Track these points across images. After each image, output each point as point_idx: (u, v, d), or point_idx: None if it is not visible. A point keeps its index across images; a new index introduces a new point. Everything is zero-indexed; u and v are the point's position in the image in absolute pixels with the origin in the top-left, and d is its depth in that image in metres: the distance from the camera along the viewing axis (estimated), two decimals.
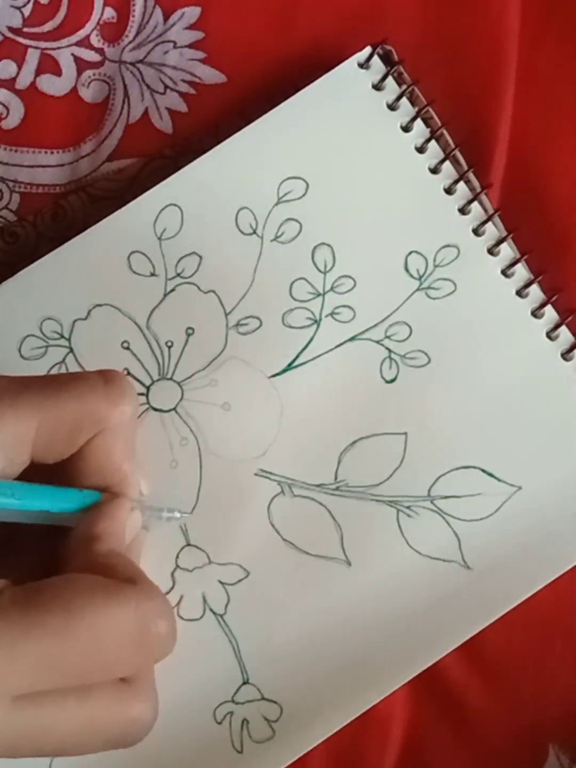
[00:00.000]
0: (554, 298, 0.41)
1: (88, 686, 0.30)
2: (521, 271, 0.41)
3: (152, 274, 0.41)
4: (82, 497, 0.34)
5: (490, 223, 0.41)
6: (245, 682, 0.39)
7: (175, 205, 0.41)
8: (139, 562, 0.37)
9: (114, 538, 0.33)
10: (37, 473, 0.33)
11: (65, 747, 0.30)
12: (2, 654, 0.28)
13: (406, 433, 0.40)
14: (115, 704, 0.31)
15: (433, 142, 0.42)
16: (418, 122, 0.42)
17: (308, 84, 0.42)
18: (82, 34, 0.44)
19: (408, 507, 0.40)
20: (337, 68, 0.42)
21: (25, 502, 0.32)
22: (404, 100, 0.42)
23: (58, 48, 0.44)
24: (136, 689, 0.32)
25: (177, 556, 0.40)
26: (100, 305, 0.41)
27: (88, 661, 0.29)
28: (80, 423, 0.33)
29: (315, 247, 0.41)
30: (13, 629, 0.28)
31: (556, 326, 0.41)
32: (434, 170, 0.41)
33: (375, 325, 0.41)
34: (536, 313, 0.41)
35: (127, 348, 0.41)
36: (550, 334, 0.41)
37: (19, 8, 0.44)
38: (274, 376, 0.41)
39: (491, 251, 0.41)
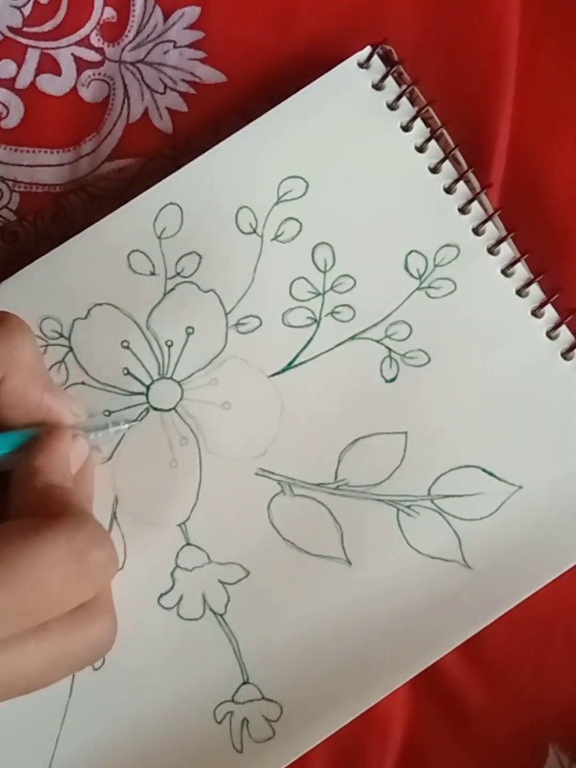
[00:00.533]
0: (554, 297, 0.41)
1: (45, 624, 0.30)
2: (521, 271, 0.41)
3: (152, 274, 0.41)
4: (15, 438, 0.34)
5: (490, 223, 0.41)
6: (245, 682, 0.39)
7: (174, 204, 0.41)
8: (92, 485, 0.37)
9: (52, 470, 0.33)
10: None
11: (34, 683, 0.32)
12: None
13: (406, 433, 0.40)
14: (73, 633, 0.31)
15: (433, 142, 0.42)
16: (418, 122, 0.42)
17: (308, 84, 0.42)
18: (82, 33, 0.44)
19: (408, 506, 0.40)
20: (337, 68, 0.42)
21: None
22: (404, 100, 0.42)
23: (58, 48, 0.44)
24: (91, 611, 0.32)
25: (177, 556, 0.39)
26: (99, 304, 0.41)
27: (34, 603, 0.29)
28: None
29: (315, 247, 0.41)
30: None
31: (556, 326, 0.41)
32: (434, 170, 0.41)
33: (375, 325, 0.41)
34: (536, 313, 0.41)
35: (127, 347, 0.41)
36: (550, 334, 0.41)
37: (19, 8, 0.44)
38: (274, 375, 0.41)
39: (491, 251, 0.41)
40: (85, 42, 0.44)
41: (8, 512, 0.32)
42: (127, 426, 0.39)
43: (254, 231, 0.41)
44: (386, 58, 0.42)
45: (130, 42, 0.44)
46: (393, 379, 0.41)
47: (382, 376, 0.41)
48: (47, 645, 0.31)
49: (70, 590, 0.30)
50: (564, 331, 0.41)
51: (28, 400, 0.34)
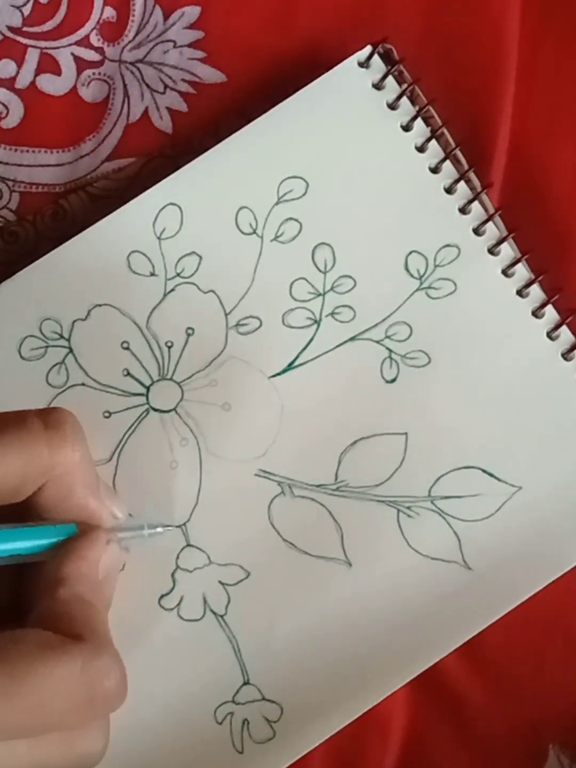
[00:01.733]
0: (555, 298, 0.41)
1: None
2: (522, 271, 0.41)
3: (152, 274, 0.41)
4: (54, 532, 0.33)
5: (490, 223, 0.41)
6: (246, 683, 0.39)
7: (174, 204, 0.41)
8: (113, 589, 0.36)
9: (81, 580, 0.32)
10: None
11: None
12: None
13: (406, 433, 0.40)
14: (64, 746, 0.31)
15: (433, 142, 0.41)
16: (419, 121, 0.42)
17: (308, 84, 0.42)
18: (81, 33, 0.44)
19: (408, 507, 0.40)
20: (337, 67, 0.42)
21: None
22: (404, 100, 0.42)
23: (58, 47, 0.44)
24: (85, 729, 0.31)
25: (177, 557, 0.39)
26: (99, 305, 0.41)
27: (34, 721, 0.29)
28: (24, 476, 0.32)
29: (315, 247, 0.41)
30: None
31: (557, 326, 0.41)
32: (434, 170, 0.41)
33: (375, 325, 0.41)
34: (537, 313, 0.41)
35: (127, 348, 0.41)
36: (551, 334, 0.41)
37: (19, 8, 0.44)
38: (274, 376, 0.41)
39: (492, 251, 0.41)
40: (85, 42, 0.44)
41: (29, 609, 0.32)
42: (161, 530, 0.38)
43: (254, 231, 0.41)
44: (386, 58, 0.42)
45: (130, 42, 0.44)
46: (393, 380, 0.41)
47: (383, 377, 0.41)
48: (37, 753, 0.30)
49: (72, 716, 0.30)
50: (564, 331, 0.41)
51: (69, 505, 0.33)
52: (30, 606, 0.32)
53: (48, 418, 0.32)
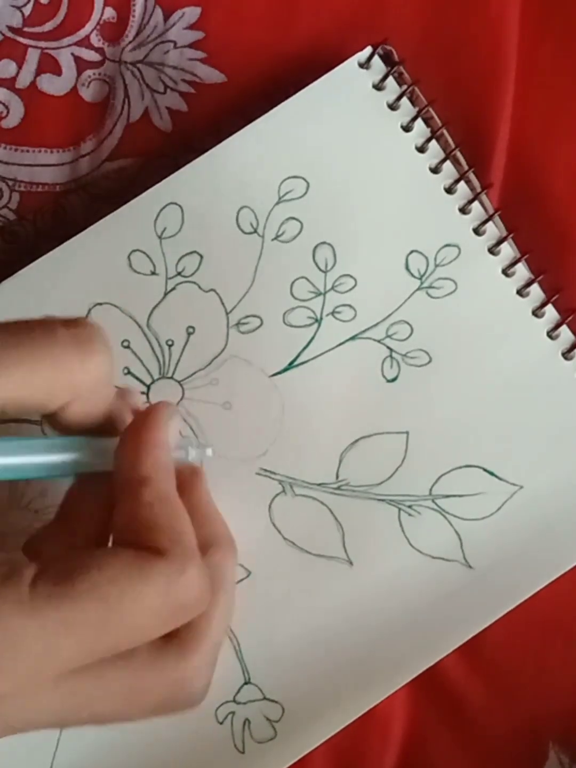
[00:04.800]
0: (555, 297, 0.41)
1: (127, 653, 0.30)
2: (522, 271, 0.41)
3: (153, 273, 0.41)
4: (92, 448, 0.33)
5: (490, 223, 0.41)
6: (247, 682, 0.39)
7: (175, 203, 0.41)
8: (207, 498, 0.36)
9: (161, 474, 0.31)
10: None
11: (110, 716, 0.31)
12: (41, 647, 0.27)
13: (407, 432, 0.40)
14: (154, 666, 0.30)
15: (433, 142, 0.42)
16: (419, 122, 0.42)
17: (308, 84, 0.42)
18: (82, 33, 0.44)
19: (409, 506, 0.40)
20: (337, 68, 0.42)
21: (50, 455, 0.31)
22: (405, 100, 0.42)
23: (58, 48, 0.44)
24: (181, 649, 0.31)
25: None
26: (100, 304, 0.41)
27: (123, 639, 0.29)
28: (51, 389, 0.30)
29: (316, 246, 0.41)
30: (49, 627, 0.28)
31: (557, 326, 0.41)
32: (435, 170, 0.42)
33: (376, 325, 0.41)
34: (537, 313, 0.41)
35: (128, 347, 0.41)
36: (551, 334, 0.41)
37: (19, 8, 0.44)
38: (275, 375, 0.41)
39: (492, 251, 0.41)
40: (85, 42, 0.44)
41: (108, 520, 0.32)
42: (210, 453, 0.36)
43: (255, 231, 0.41)
44: (387, 59, 0.42)
45: (130, 42, 0.44)
46: (394, 379, 0.41)
47: (383, 376, 0.41)
48: (127, 676, 0.30)
49: (161, 628, 0.30)
50: (564, 331, 0.41)
51: (95, 420, 0.32)
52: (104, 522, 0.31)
53: (77, 331, 0.31)
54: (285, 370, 0.41)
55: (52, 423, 0.32)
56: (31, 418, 0.34)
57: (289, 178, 0.41)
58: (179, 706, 0.32)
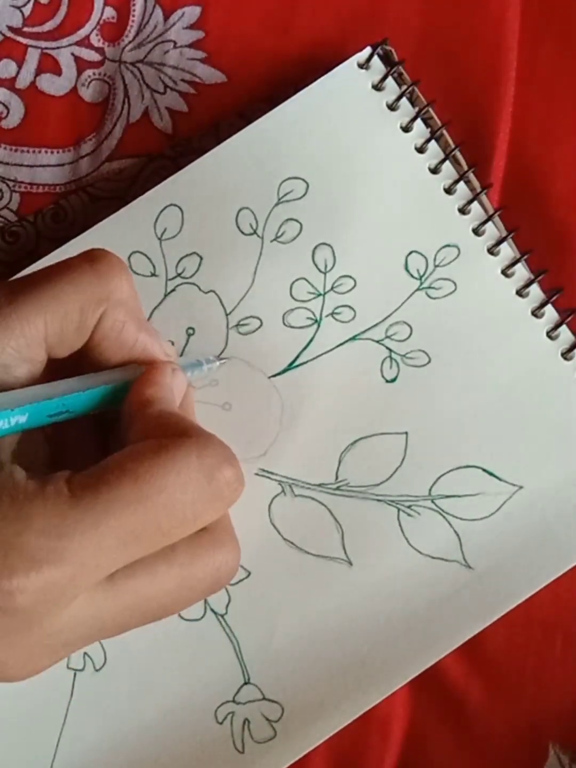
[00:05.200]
0: (554, 297, 0.41)
1: (172, 547, 0.31)
2: (521, 271, 0.41)
3: (152, 275, 0.41)
4: (124, 373, 0.34)
5: (490, 223, 0.41)
6: (246, 682, 0.39)
7: (175, 205, 0.41)
8: (193, 415, 0.37)
9: (163, 401, 0.33)
10: (60, 373, 0.34)
11: (166, 608, 0.32)
12: (90, 535, 0.29)
13: (406, 433, 0.40)
14: (200, 557, 0.32)
15: (433, 142, 0.42)
16: (418, 122, 0.42)
17: (308, 84, 0.42)
18: (82, 33, 0.44)
19: (409, 506, 0.40)
20: (337, 68, 0.42)
21: (75, 398, 0.33)
22: (404, 101, 0.42)
23: (58, 48, 0.44)
24: (216, 537, 0.33)
25: None
26: None
27: (167, 522, 0.30)
28: (83, 308, 0.33)
29: (315, 247, 0.41)
30: (93, 511, 0.29)
31: (557, 326, 0.41)
32: (434, 170, 0.41)
33: (375, 325, 0.41)
34: (536, 313, 0.41)
35: None
36: (551, 334, 0.41)
37: (19, 8, 0.44)
38: (274, 375, 0.41)
39: (491, 251, 0.41)
40: (85, 42, 0.44)
41: (121, 445, 0.32)
42: (218, 363, 0.39)
43: (255, 232, 0.41)
44: (386, 59, 0.42)
45: (130, 42, 0.44)
46: (393, 380, 0.41)
47: (383, 377, 0.41)
48: (176, 569, 0.31)
49: (201, 509, 0.31)
50: (564, 331, 0.41)
51: (124, 338, 0.34)
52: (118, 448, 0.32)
53: (92, 255, 0.34)
54: (284, 370, 0.41)
55: (98, 355, 0.34)
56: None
57: (288, 178, 0.41)
58: (221, 587, 0.33)
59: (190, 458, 0.30)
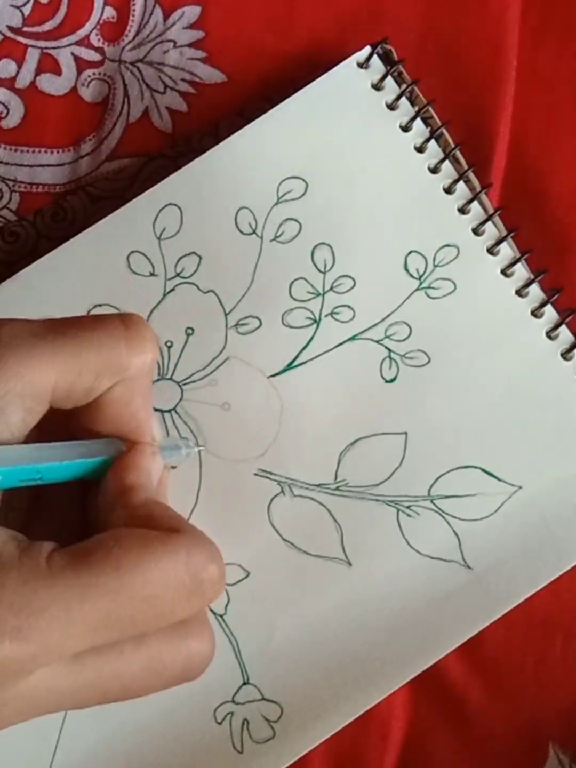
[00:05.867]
0: (554, 297, 0.41)
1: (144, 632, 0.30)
2: (521, 271, 0.41)
3: (152, 274, 0.41)
4: (105, 448, 0.33)
5: (489, 223, 0.41)
6: (245, 683, 0.39)
7: (174, 204, 0.41)
8: (167, 502, 0.36)
9: (145, 487, 0.32)
10: (51, 417, 0.33)
11: (129, 690, 0.31)
12: (60, 618, 0.28)
13: (406, 433, 0.40)
14: (171, 644, 0.31)
15: (432, 142, 0.42)
16: (418, 122, 0.42)
17: (308, 84, 0.42)
18: (82, 33, 0.44)
19: (408, 507, 0.40)
20: (336, 68, 0.42)
21: (50, 467, 0.32)
22: (404, 100, 0.42)
23: (58, 47, 0.44)
24: (190, 626, 0.32)
25: None
26: (99, 305, 0.41)
27: (143, 614, 0.29)
28: (99, 374, 0.32)
29: (314, 247, 0.41)
30: (68, 593, 0.28)
31: (556, 326, 0.41)
32: (434, 170, 0.41)
33: (375, 325, 0.41)
34: (536, 313, 0.41)
35: None
36: (550, 334, 0.41)
37: (19, 7, 0.44)
38: (273, 375, 0.41)
39: (491, 251, 0.41)
40: (85, 42, 0.44)
41: (99, 527, 0.32)
42: (197, 449, 0.39)
43: (254, 231, 0.41)
44: (386, 58, 0.42)
45: (130, 42, 0.44)
46: (393, 380, 0.41)
47: (382, 377, 0.41)
48: (144, 651, 0.30)
49: (179, 606, 0.30)
50: (564, 331, 0.41)
51: (126, 411, 0.33)
52: (96, 527, 0.32)
53: (128, 320, 0.32)
54: (284, 370, 0.41)
55: (89, 416, 0.33)
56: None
57: (287, 178, 0.41)
58: (192, 677, 0.32)
59: (178, 556, 0.29)
